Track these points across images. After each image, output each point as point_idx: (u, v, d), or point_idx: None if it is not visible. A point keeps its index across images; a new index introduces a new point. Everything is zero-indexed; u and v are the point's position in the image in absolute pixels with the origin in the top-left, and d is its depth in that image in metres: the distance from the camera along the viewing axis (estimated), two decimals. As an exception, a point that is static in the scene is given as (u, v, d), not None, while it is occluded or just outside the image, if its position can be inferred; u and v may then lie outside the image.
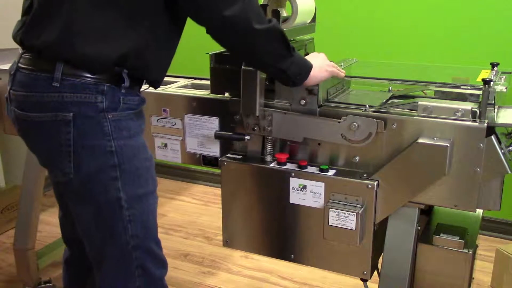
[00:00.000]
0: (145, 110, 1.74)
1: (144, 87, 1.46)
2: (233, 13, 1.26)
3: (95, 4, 1.25)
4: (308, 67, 1.42)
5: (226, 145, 1.67)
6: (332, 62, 1.51)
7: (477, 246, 1.48)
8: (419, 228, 1.47)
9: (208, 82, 1.69)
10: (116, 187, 1.32)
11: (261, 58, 1.37)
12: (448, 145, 1.32)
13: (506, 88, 1.44)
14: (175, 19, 1.37)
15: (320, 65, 1.45)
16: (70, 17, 1.25)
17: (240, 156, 1.60)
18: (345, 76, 1.56)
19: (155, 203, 1.44)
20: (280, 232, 1.55)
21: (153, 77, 1.41)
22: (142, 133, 1.40)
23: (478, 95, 1.43)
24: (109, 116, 1.29)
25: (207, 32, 1.33)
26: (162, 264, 1.48)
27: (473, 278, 1.50)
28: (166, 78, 1.95)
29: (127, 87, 1.32)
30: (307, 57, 1.46)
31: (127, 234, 1.37)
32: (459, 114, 1.35)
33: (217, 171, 1.63)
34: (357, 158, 1.48)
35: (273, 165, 1.53)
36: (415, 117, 1.39)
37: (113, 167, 1.31)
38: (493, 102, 1.42)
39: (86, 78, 1.27)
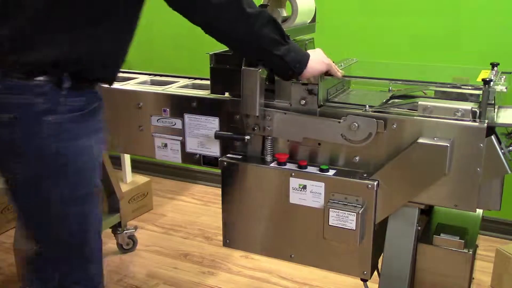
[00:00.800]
0: (146, 110, 1.76)
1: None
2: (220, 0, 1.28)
3: (38, 9, 1.24)
4: (307, 55, 1.42)
5: (226, 145, 1.67)
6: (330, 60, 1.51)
7: (477, 246, 1.48)
8: (419, 228, 1.47)
9: (208, 82, 1.69)
10: (57, 187, 1.33)
11: (256, 43, 1.36)
12: (448, 145, 1.32)
13: (506, 88, 1.44)
14: (125, 21, 1.35)
15: (317, 57, 1.45)
16: (15, 23, 1.25)
17: (240, 156, 1.60)
18: (345, 76, 1.56)
19: (97, 203, 1.44)
20: (280, 232, 1.55)
21: (101, 76, 1.39)
22: (92, 133, 1.37)
23: (478, 95, 1.43)
24: (50, 119, 1.28)
25: (202, 28, 1.33)
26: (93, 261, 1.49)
27: (473, 278, 1.49)
28: (166, 78, 1.96)
29: (69, 88, 1.29)
30: None
31: (66, 231, 1.38)
32: (459, 114, 1.35)
33: (217, 171, 1.63)
34: (357, 158, 1.48)
35: (273, 165, 1.53)
36: (415, 117, 1.39)
37: (53, 168, 1.31)
38: (493, 102, 1.43)
39: (27, 81, 1.26)
